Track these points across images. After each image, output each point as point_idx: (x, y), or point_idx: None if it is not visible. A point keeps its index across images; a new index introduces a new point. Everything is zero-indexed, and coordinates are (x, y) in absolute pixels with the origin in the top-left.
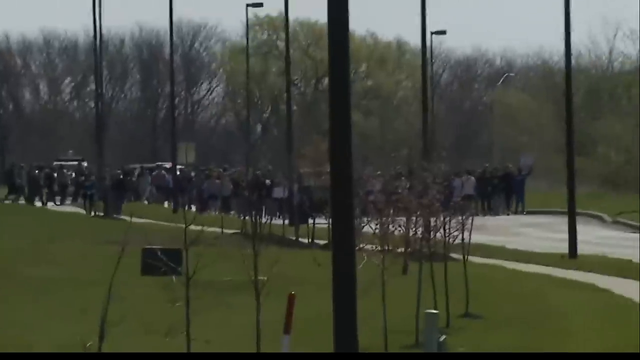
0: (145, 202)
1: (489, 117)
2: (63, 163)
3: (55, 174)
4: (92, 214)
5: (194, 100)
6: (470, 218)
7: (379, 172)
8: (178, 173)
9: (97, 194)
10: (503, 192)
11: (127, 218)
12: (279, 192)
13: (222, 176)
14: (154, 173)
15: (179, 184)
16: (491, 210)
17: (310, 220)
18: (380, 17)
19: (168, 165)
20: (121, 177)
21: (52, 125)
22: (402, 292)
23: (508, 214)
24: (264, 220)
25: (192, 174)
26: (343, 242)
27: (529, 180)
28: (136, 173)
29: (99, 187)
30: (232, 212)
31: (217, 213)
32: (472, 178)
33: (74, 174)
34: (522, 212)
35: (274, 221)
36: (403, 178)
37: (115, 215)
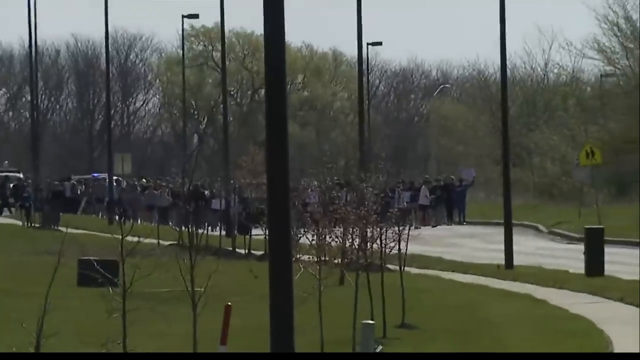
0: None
1: (426, 128)
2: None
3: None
4: (29, 225)
5: (130, 111)
6: (407, 228)
7: (316, 183)
8: (125, 184)
9: (34, 205)
10: (444, 202)
11: (64, 229)
12: (216, 204)
13: (161, 187)
14: (95, 183)
15: (120, 195)
16: (432, 221)
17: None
18: (316, 28)
19: (104, 175)
20: (61, 188)
21: None
22: (339, 303)
23: (450, 225)
24: (202, 231)
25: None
26: (279, 253)
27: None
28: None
29: (35, 199)
30: (170, 224)
31: (153, 224)
32: (426, 194)
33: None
34: (463, 223)
35: (211, 232)
36: (343, 189)
37: (53, 227)
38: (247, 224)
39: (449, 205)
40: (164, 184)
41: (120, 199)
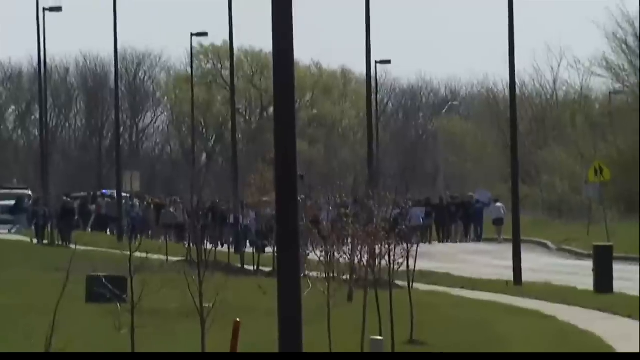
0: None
1: (434, 145)
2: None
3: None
4: (40, 242)
5: (139, 128)
6: (416, 245)
7: (326, 201)
8: (151, 201)
9: (47, 222)
10: (461, 220)
11: (78, 247)
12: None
13: (177, 205)
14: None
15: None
16: (448, 238)
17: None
18: (325, 47)
19: (112, 192)
20: (74, 204)
21: None
22: (348, 319)
23: (467, 242)
24: (211, 247)
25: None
26: (288, 270)
27: None
28: (98, 201)
29: (48, 216)
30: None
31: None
32: (500, 204)
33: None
34: (479, 240)
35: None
36: (350, 206)
37: (65, 244)
38: (257, 241)
39: (465, 222)
40: (179, 201)
41: (137, 218)
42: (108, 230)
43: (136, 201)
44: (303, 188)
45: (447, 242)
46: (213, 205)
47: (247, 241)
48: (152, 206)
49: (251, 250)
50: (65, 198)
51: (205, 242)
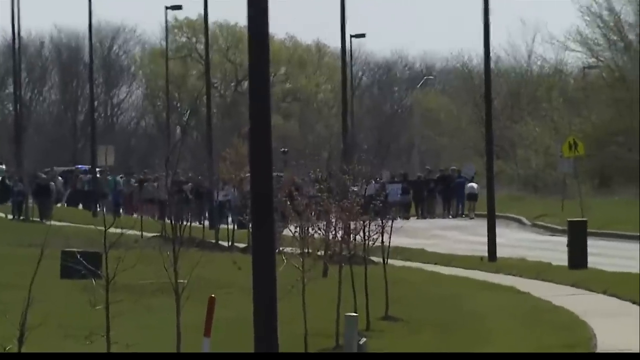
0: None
1: (409, 120)
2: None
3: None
4: (18, 217)
5: (114, 103)
6: (391, 221)
7: (303, 177)
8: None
9: (24, 198)
10: (440, 195)
11: (53, 222)
12: (224, 196)
13: (159, 180)
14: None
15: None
16: (428, 213)
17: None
18: (299, 20)
19: (87, 167)
20: (48, 181)
21: None
22: (323, 295)
23: (448, 217)
24: (186, 223)
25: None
26: (263, 245)
27: None
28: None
29: (25, 192)
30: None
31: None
32: (475, 185)
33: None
34: (461, 215)
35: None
36: (324, 181)
37: (43, 220)
38: (238, 218)
39: (445, 197)
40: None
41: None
42: (96, 206)
43: (119, 177)
44: (278, 163)
45: (427, 218)
46: (189, 180)
47: (228, 217)
48: (137, 182)
49: (226, 226)
50: (42, 175)
51: (184, 217)
